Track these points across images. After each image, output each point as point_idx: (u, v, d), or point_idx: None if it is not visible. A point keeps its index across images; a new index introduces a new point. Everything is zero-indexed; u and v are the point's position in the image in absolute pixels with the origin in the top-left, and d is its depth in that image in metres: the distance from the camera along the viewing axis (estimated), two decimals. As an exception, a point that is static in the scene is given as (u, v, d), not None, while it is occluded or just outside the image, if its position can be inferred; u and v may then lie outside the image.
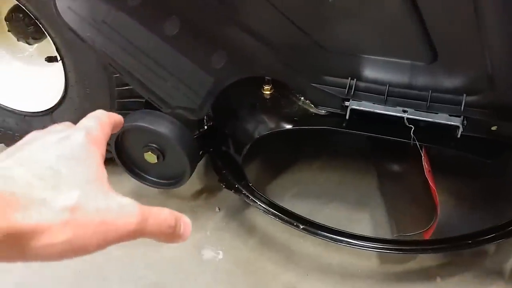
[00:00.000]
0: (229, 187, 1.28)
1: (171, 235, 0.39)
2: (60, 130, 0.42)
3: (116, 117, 0.47)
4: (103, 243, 0.35)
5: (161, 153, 1.25)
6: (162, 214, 0.39)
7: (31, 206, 0.33)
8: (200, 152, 1.32)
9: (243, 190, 1.27)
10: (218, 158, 1.33)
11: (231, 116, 1.33)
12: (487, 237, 1.16)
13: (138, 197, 1.46)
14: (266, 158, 1.56)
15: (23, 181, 0.34)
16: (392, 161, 1.46)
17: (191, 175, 1.28)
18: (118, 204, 0.37)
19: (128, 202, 0.37)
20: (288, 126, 1.26)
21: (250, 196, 1.26)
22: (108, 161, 1.47)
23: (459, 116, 1.10)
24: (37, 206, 0.33)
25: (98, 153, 0.40)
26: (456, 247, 1.19)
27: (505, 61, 0.95)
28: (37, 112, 1.45)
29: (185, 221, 0.40)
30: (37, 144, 0.38)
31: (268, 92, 1.26)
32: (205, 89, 1.13)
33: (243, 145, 1.29)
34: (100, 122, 0.43)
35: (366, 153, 1.52)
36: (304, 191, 1.47)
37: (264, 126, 1.28)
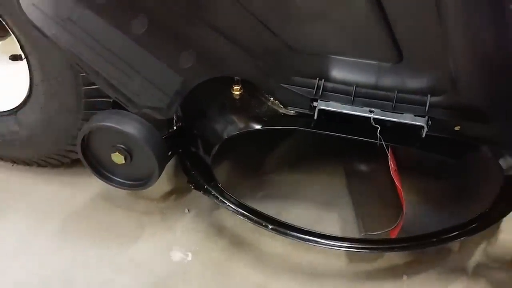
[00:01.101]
0: (198, 188, 1.28)
1: None
2: None
3: None
4: None
5: (128, 154, 1.23)
6: None
7: None
8: (169, 153, 1.31)
9: (212, 191, 1.27)
10: (187, 158, 1.32)
11: (200, 117, 1.33)
12: (451, 235, 1.19)
13: (106, 199, 1.45)
14: (236, 159, 1.56)
15: None
16: (360, 161, 1.48)
17: (159, 176, 1.26)
18: None
19: None
20: (257, 127, 1.26)
21: (219, 197, 1.26)
22: (74, 163, 1.48)
23: (423, 116, 1.13)
24: None
25: None
26: (421, 245, 1.21)
27: (466, 63, 0.98)
28: (1, 112, 1.41)
29: None
30: None
31: (237, 93, 1.26)
32: (173, 88, 1.12)
33: (212, 145, 1.29)
34: None
35: (335, 153, 1.54)
36: (274, 192, 1.47)
37: (233, 126, 1.28)
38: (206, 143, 1.32)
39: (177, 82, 1.13)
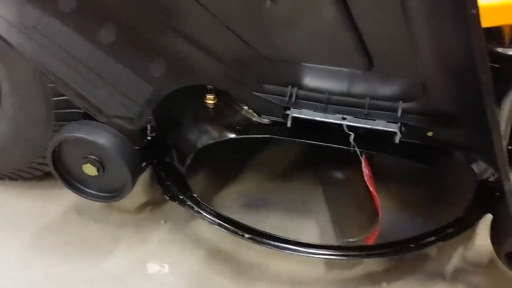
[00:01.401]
0: (173, 198, 1.26)
1: None
2: None
3: None
4: None
5: (100, 165, 1.21)
6: None
7: None
8: (143, 164, 1.29)
9: (188, 201, 1.25)
10: (162, 169, 1.30)
11: (174, 126, 1.31)
12: (428, 240, 1.19)
13: (79, 211, 1.42)
14: (212, 168, 1.54)
15: None
16: (336, 168, 1.48)
17: (133, 187, 1.24)
18: None
19: None
20: (231, 136, 1.25)
21: (195, 207, 1.25)
22: (47, 176, 1.44)
23: (396, 123, 1.13)
24: None
25: None
26: (399, 251, 1.21)
27: (435, 69, 0.99)
28: (-30, 124, 1.38)
29: None
30: None
31: (211, 102, 1.25)
32: (143, 98, 1.11)
33: (186, 155, 1.28)
34: None
35: (311, 160, 1.54)
36: (251, 200, 1.46)
37: (207, 136, 1.27)
38: (180, 153, 1.30)
39: (148, 91, 1.11)
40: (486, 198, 1.20)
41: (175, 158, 1.32)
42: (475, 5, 0.73)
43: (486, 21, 1.10)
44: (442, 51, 0.91)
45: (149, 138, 1.31)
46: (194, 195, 1.26)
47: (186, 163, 1.27)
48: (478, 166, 1.22)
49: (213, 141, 1.26)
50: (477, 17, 0.74)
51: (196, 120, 1.28)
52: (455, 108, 1.09)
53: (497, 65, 1.23)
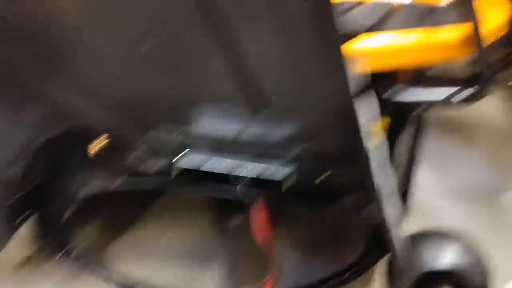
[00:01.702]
0: (55, 253, 1.15)
1: None
2: None
3: None
4: None
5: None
6: None
7: None
8: (23, 215, 1.17)
9: (72, 255, 1.14)
10: (42, 221, 1.19)
11: (56, 175, 1.21)
12: (324, 286, 1.17)
13: None
14: (104, 216, 1.44)
15: None
16: (234, 212, 1.43)
17: (7, 241, 1.12)
18: None
19: None
20: (115, 186, 1.17)
21: (80, 262, 1.14)
22: None
23: (289, 166, 1.12)
24: None
25: None
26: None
27: (324, 113, 0.99)
28: None
29: None
30: None
31: (96, 148, 1.17)
32: (14, 145, 1.01)
33: (68, 206, 1.17)
34: None
35: (211, 204, 1.48)
36: (146, 251, 1.37)
37: (91, 185, 1.17)
38: (63, 203, 1.20)
39: (20, 137, 1.02)
40: (382, 241, 1.20)
41: (58, 208, 1.21)
42: (342, 60, 0.74)
43: (375, 65, 1.14)
44: (325, 97, 0.91)
45: (30, 187, 1.20)
46: (78, 248, 1.16)
47: (68, 214, 1.17)
48: (372, 208, 1.23)
49: (97, 191, 1.17)
50: (344, 72, 0.75)
51: (79, 168, 1.19)
52: (346, 152, 1.09)
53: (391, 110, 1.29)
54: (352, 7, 1.27)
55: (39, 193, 1.20)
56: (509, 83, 2.11)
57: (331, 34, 0.75)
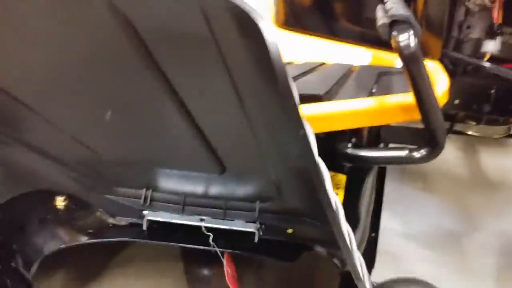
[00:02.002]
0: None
1: None
2: None
3: None
4: None
5: None
6: None
7: None
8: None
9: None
10: (7, 277, 1.16)
11: (19, 231, 1.19)
12: None
13: None
14: (71, 270, 1.42)
15: None
16: (202, 265, 1.43)
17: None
18: None
19: None
20: (83, 240, 1.17)
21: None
22: None
23: (255, 222, 1.14)
24: None
25: None
26: None
27: (282, 172, 1.02)
28: None
29: None
30: None
31: (61, 204, 1.17)
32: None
33: (32, 261, 1.16)
34: None
35: (179, 256, 1.48)
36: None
37: (56, 240, 1.17)
38: (26, 259, 1.18)
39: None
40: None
41: (21, 264, 1.19)
42: (302, 126, 0.77)
43: (333, 126, 1.19)
44: (284, 157, 0.95)
45: (-7, 242, 1.18)
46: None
47: (32, 271, 1.15)
48: (339, 259, 1.26)
49: (63, 246, 1.16)
50: (304, 136, 0.78)
51: (44, 223, 1.18)
52: (308, 208, 1.13)
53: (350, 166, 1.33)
54: (315, 67, 1.34)
55: (3, 249, 1.18)
56: (469, 132, 2.21)
57: (288, 103, 0.78)
